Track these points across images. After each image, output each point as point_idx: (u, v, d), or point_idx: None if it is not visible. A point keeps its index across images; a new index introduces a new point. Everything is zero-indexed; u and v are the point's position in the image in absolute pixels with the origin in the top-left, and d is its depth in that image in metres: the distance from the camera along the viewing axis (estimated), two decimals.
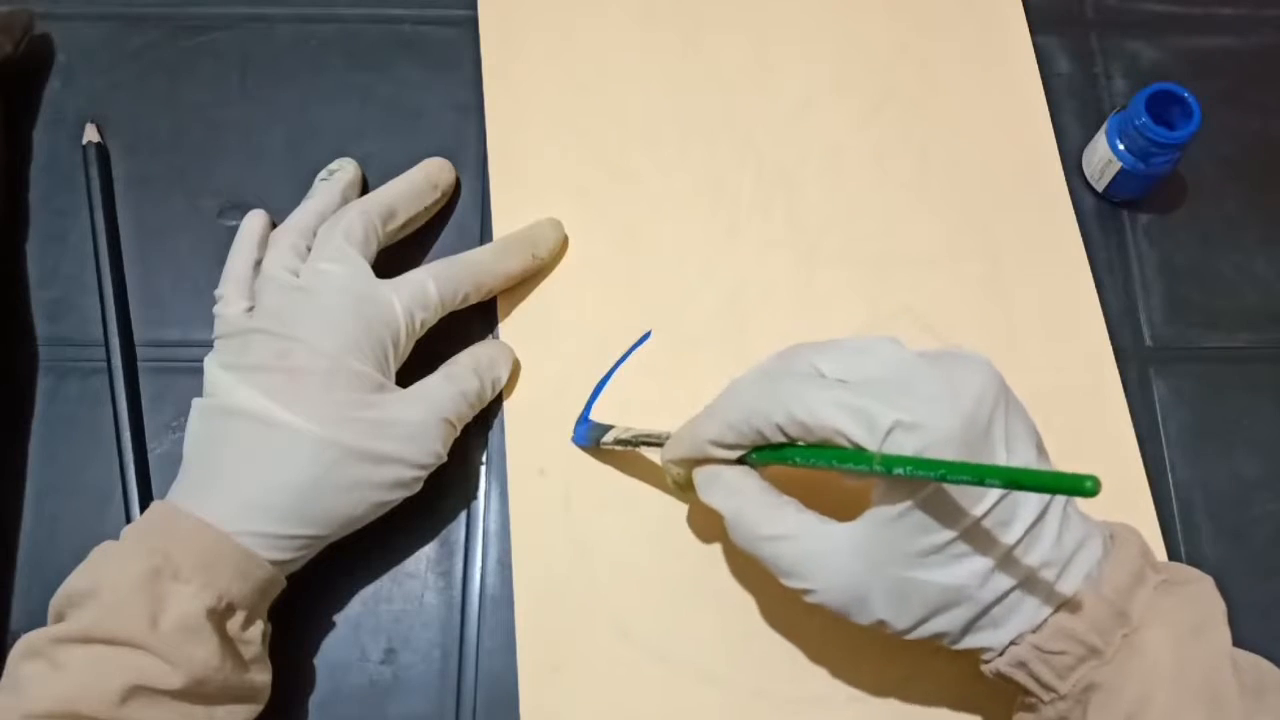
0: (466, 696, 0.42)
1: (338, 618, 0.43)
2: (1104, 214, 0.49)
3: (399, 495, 0.40)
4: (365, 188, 0.48)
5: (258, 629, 0.38)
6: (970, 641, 0.34)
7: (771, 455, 0.36)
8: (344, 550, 0.41)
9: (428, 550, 0.44)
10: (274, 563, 0.38)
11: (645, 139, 0.50)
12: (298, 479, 0.38)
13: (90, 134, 0.49)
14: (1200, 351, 0.47)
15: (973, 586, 0.33)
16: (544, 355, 0.46)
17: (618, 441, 0.42)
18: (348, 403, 0.39)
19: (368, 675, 0.42)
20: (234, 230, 0.45)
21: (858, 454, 0.32)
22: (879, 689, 0.41)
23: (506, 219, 0.48)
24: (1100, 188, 0.49)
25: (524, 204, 0.48)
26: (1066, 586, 0.33)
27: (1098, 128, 0.49)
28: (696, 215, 0.49)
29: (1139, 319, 0.48)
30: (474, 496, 0.44)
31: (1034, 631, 0.33)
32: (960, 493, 0.32)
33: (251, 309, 0.42)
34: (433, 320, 0.43)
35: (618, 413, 0.45)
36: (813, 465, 0.34)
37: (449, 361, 0.44)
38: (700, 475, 0.38)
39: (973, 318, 0.47)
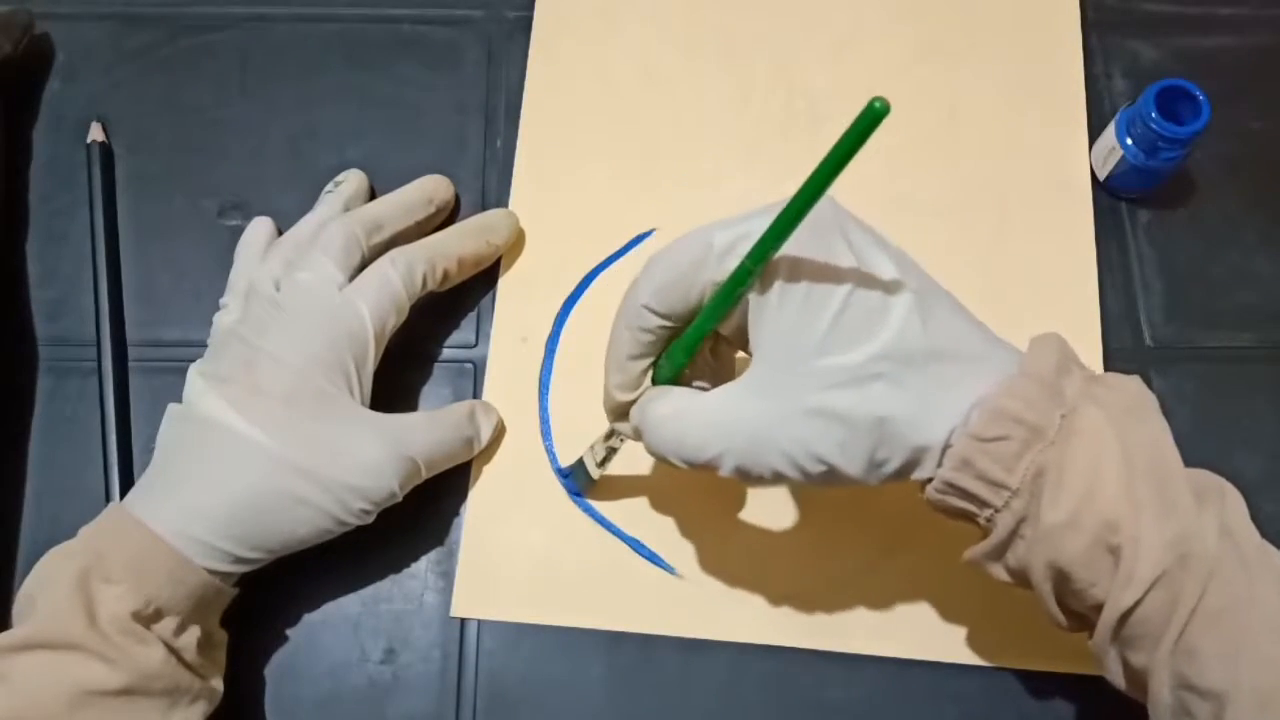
0: (466, 696, 0.42)
1: (338, 618, 0.43)
2: (1104, 214, 0.49)
3: (347, 524, 0.39)
4: (373, 197, 0.47)
5: (192, 635, 0.37)
6: (906, 455, 0.32)
7: (677, 349, 0.35)
8: (344, 550, 0.41)
9: (428, 550, 0.44)
10: (211, 571, 0.37)
11: (683, 49, 0.52)
12: (240, 490, 0.37)
13: (95, 133, 0.49)
14: (1200, 351, 0.47)
15: (875, 394, 0.31)
16: (547, 235, 0.48)
17: (600, 464, 0.42)
18: (307, 421, 0.39)
19: (368, 675, 0.42)
20: (234, 230, 0.45)
21: (730, 283, 0.32)
22: (849, 575, 0.43)
23: (539, 104, 0.50)
24: (1103, 176, 0.49)
25: (557, 88, 0.51)
26: (986, 374, 0.32)
27: (1099, 128, 0.49)
28: (719, 131, 0.50)
29: (1139, 319, 0.48)
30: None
31: (966, 425, 0.31)
32: (817, 293, 0.31)
33: None
34: (402, 319, 0.42)
35: (607, 302, 0.46)
36: (708, 327, 0.33)
37: (441, 409, 0.43)
38: (634, 412, 0.36)
39: (970, 272, 0.47)
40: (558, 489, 0.44)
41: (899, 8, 0.52)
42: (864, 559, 0.43)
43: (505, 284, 0.47)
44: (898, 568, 0.43)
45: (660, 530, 0.43)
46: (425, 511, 0.43)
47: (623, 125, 0.50)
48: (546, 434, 0.45)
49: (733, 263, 0.32)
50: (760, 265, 0.31)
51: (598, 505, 0.44)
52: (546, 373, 0.46)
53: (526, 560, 0.43)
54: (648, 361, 0.36)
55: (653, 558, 0.43)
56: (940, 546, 0.42)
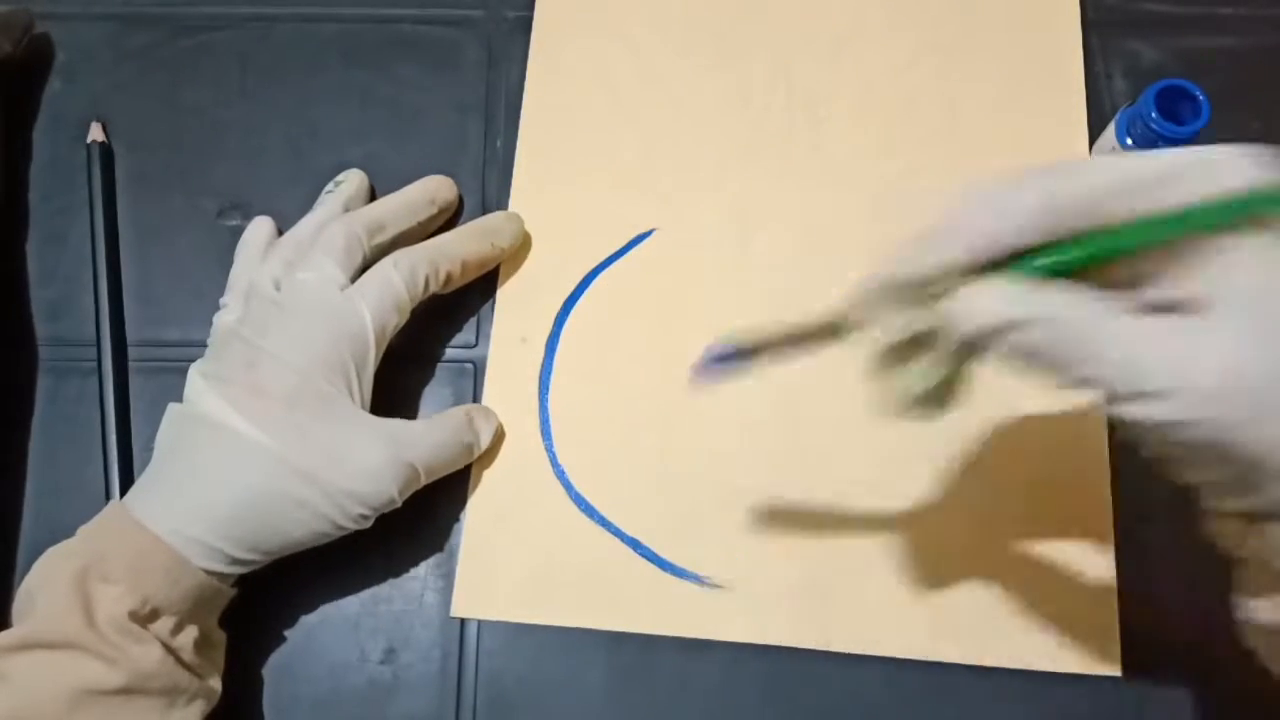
0: (466, 696, 0.42)
1: (338, 618, 0.43)
2: None
3: (345, 528, 0.39)
4: (373, 198, 0.47)
5: (189, 635, 0.37)
6: None
7: (1074, 251, 0.28)
8: (344, 550, 0.40)
9: (428, 550, 0.44)
10: (209, 571, 0.37)
11: (682, 48, 0.51)
12: (239, 491, 0.37)
13: (95, 133, 0.49)
14: None
15: None
16: (547, 235, 0.48)
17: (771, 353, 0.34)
18: (308, 423, 0.38)
19: (368, 675, 0.42)
20: (234, 230, 0.45)
21: (1212, 213, 0.26)
22: (849, 574, 0.43)
23: (539, 104, 0.50)
24: None
25: (556, 89, 0.50)
26: None
27: (1098, 128, 0.49)
28: (719, 130, 0.50)
29: None
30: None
31: None
32: None
33: None
34: (404, 320, 0.42)
35: (607, 301, 0.47)
36: (1137, 245, 0.27)
37: (441, 414, 0.43)
38: (970, 303, 0.28)
39: None
40: (558, 489, 0.44)
41: (898, 8, 0.52)
42: (863, 557, 0.43)
43: (505, 284, 0.47)
44: (897, 567, 0.43)
45: (660, 529, 0.43)
46: (425, 511, 0.43)
47: (623, 125, 0.50)
48: (546, 434, 0.45)
49: (1168, 196, 0.26)
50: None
51: (598, 505, 0.44)
52: (546, 373, 0.46)
53: (526, 560, 0.43)
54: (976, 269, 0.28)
55: (652, 557, 0.43)
56: (939, 544, 0.42)
